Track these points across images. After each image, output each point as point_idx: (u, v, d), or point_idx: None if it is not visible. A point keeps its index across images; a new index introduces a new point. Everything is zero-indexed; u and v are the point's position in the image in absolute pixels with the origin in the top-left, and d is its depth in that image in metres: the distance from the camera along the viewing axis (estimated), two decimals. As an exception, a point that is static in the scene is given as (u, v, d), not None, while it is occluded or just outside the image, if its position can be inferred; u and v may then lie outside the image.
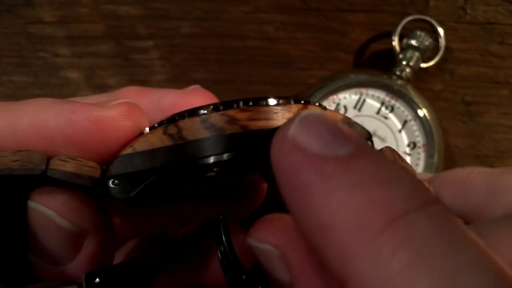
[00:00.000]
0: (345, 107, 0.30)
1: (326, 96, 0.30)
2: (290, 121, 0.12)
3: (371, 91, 0.30)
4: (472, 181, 0.16)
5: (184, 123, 0.14)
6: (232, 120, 0.14)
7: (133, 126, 0.15)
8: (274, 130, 0.13)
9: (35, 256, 0.16)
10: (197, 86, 0.19)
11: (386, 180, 0.11)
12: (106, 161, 0.15)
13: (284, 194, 0.12)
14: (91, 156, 0.15)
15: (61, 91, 0.33)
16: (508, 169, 0.16)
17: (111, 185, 0.15)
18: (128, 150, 0.15)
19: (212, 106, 0.14)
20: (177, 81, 0.33)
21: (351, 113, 0.30)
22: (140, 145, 0.14)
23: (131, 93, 0.18)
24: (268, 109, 0.14)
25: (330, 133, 0.12)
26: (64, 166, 0.14)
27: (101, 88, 0.33)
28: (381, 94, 0.30)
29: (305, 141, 0.12)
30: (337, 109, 0.30)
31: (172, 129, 0.14)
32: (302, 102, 0.14)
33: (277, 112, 0.14)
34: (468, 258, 0.10)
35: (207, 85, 0.33)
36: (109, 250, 0.17)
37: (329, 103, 0.30)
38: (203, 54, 0.33)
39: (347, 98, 0.30)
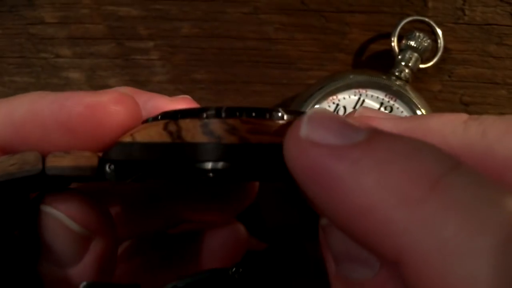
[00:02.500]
0: (345, 108, 0.30)
1: (325, 96, 0.30)
2: (297, 123, 0.12)
3: (370, 92, 0.30)
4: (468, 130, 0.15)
5: (184, 123, 0.14)
6: (232, 130, 0.13)
7: (125, 112, 0.15)
8: (274, 146, 0.13)
9: (44, 257, 0.16)
10: (187, 96, 0.19)
11: (411, 151, 0.11)
12: (99, 149, 0.15)
13: (313, 194, 0.12)
14: (85, 143, 0.15)
15: (62, 91, 0.34)
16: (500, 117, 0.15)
17: (107, 169, 0.15)
18: (128, 139, 0.15)
19: (215, 111, 0.14)
20: (178, 82, 0.33)
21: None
22: (139, 136, 0.14)
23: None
24: (271, 123, 0.14)
25: (341, 124, 0.12)
26: (60, 162, 0.14)
27: (102, 88, 0.33)
28: (380, 95, 0.30)
29: (320, 136, 0.12)
30: (336, 110, 0.30)
31: (172, 127, 0.14)
32: None
33: (280, 127, 0.14)
34: None
35: (207, 85, 0.34)
36: (114, 251, 0.18)
37: (329, 104, 0.30)
38: (203, 54, 0.33)
39: (346, 99, 0.30)
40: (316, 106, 0.30)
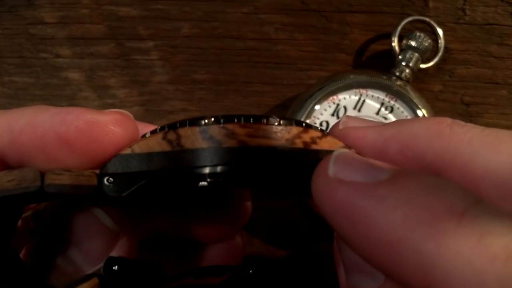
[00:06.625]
0: (345, 108, 0.30)
1: (325, 96, 0.30)
2: (325, 161, 0.13)
3: (371, 92, 0.30)
4: (455, 136, 0.15)
5: (184, 131, 0.14)
6: (231, 134, 0.14)
7: (123, 134, 0.16)
8: (271, 149, 0.14)
9: (72, 254, 0.17)
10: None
11: (434, 188, 0.12)
12: (94, 166, 0.16)
13: (341, 228, 0.13)
14: (80, 157, 0.15)
15: (62, 91, 0.34)
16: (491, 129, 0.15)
17: (105, 182, 0.15)
18: (126, 151, 0.15)
19: (213, 118, 0.14)
20: (178, 82, 0.33)
21: (351, 114, 0.30)
22: (138, 147, 0.15)
23: None
24: (268, 128, 0.14)
25: (366, 164, 0.13)
26: (60, 180, 0.14)
27: (102, 88, 0.34)
28: (381, 95, 0.30)
29: (348, 174, 0.13)
30: (337, 110, 0.30)
31: (171, 136, 0.14)
32: (304, 125, 0.15)
33: (277, 132, 0.14)
34: None
35: (207, 85, 0.34)
36: (135, 252, 0.19)
37: (329, 104, 0.30)
38: (203, 54, 0.33)
39: (346, 99, 0.30)
40: (317, 106, 0.30)
